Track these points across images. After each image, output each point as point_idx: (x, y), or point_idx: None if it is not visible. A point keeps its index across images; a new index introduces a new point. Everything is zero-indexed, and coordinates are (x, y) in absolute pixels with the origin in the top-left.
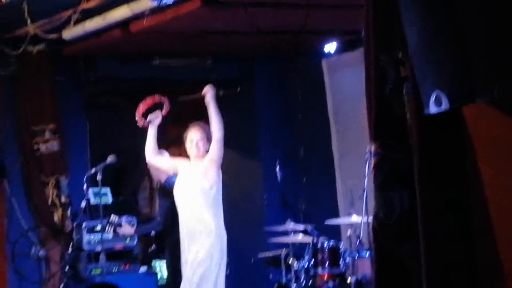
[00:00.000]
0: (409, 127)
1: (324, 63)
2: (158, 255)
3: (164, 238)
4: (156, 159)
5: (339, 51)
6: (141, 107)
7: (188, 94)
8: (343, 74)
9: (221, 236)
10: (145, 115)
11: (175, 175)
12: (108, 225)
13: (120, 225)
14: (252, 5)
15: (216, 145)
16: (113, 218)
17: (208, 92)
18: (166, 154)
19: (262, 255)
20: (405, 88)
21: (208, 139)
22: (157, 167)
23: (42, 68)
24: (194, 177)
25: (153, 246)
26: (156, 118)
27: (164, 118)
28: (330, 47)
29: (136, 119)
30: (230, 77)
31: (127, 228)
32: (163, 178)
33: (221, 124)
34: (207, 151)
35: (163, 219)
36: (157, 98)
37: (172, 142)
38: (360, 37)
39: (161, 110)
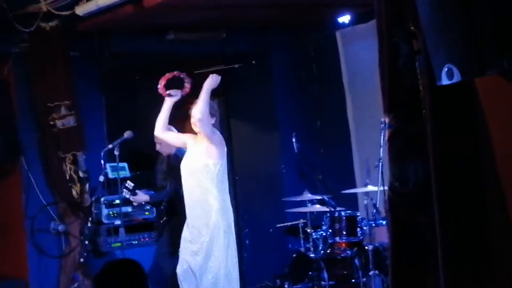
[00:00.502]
0: (422, 99)
1: (339, 35)
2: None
3: (174, 207)
4: (164, 134)
5: (353, 22)
6: (165, 78)
7: (203, 67)
8: (357, 46)
9: (226, 211)
10: (166, 87)
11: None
12: (124, 189)
13: (135, 192)
14: None
15: (199, 125)
16: (129, 183)
17: (208, 78)
18: (174, 130)
19: (280, 225)
20: (418, 60)
21: (212, 115)
22: (165, 141)
23: (55, 44)
24: (198, 153)
25: (164, 218)
26: (175, 95)
27: (183, 98)
28: (344, 18)
29: (159, 87)
30: (245, 50)
31: (142, 195)
32: (172, 151)
33: (203, 106)
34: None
35: (173, 189)
36: (179, 73)
37: (187, 116)
38: (373, 9)
39: (182, 89)
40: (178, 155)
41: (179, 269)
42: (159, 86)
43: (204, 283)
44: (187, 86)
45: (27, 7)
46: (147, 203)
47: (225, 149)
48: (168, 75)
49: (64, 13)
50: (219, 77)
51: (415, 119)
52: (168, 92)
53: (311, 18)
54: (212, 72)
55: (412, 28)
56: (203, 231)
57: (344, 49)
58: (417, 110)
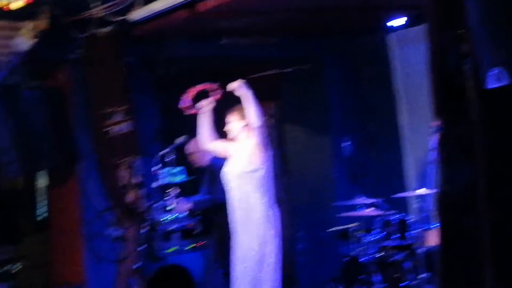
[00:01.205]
0: (470, 102)
1: (391, 38)
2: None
3: (212, 217)
4: (213, 144)
5: (406, 25)
6: (186, 96)
7: (257, 72)
8: (410, 49)
9: (271, 217)
10: (193, 102)
11: (221, 157)
12: (169, 197)
13: (177, 199)
14: None
15: (257, 132)
16: (175, 190)
17: (237, 88)
18: (219, 139)
19: (332, 229)
20: (466, 64)
21: (247, 123)
22: (202, 152)
23: (110, 50)
24: (240, 160)
25: (200, 227)
26: (207, 105)
27: (217, 104)
28: (397, 21)
29: (182, 107)
30: (298, 54)
31: (184, 203)
32: (206, 162)
33: (257, 112)
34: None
35: (216, 196)
36: (204, 86)
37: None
38: (424, 12)
39: (214, 96)
40: (215, 163)
41: (236, 271)
42: (182, 105)
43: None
44: (217, 91)
45: (82, 13)
46: (190, 210)
47: (271, 153)
48: (193, 90)
49: (118, 18)
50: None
51: (464, 122)
52: (197, 107)
53: (364, 21)
54: (266, 77)
55: (461, 31)
56: (249, 235)
57: (397, 52)
58: (466, 113)
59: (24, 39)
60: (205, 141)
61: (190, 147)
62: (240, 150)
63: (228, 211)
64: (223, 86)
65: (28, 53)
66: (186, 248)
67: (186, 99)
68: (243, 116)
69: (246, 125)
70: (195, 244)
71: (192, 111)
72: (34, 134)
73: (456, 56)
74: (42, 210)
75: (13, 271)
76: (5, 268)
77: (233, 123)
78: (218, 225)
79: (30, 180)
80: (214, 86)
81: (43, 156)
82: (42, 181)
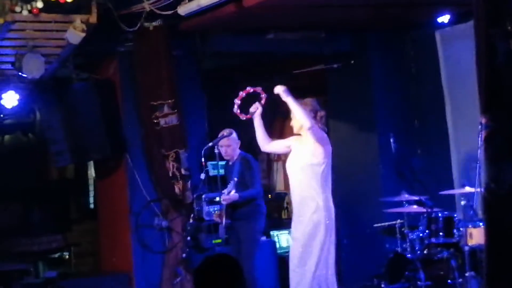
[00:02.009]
0: None
1: (438, 35)
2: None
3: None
4: (270, 146)
5: (453, 22)
6: (237, 103)
7: (302, 67)
8: (456, 45)
9: (329, 210)
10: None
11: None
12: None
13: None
14: None
15: (310, 133)
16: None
17: (279, 92)
18: (275, 140)
19: (377, 225)
20: None
21: (315, 113)
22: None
23: (159, 43)
24: (304, 153)
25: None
26: (256, 110)
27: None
28: (444, 18)
29: (236, 113)
30: (344, 50)
31: (231, 195)
32: (237, 155)
33: (304, 114)
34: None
35: (259, 189)
36: (250, 89)
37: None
38: (472, 8)
39: (259, 101)
40: (248, 158)
41: (295, 266)
42: (235, 112)
43: (302, 276)
44: (263, 96)
45: (131, 7)
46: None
47: (330, 148)
48: (241, 94)
49: (166, 12)
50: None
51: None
52: (249, 113)
53: (411, 17)
54: (311, 72)
55: (510, 27)
56: (306, 228)
57: (443, 49)
58: None
59: (75, 32)
60: (262, 145)
61: (222, 142)
62: (302, 144)
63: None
64: (268, 88)
65: (79, 46)
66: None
67: (236, 105)
68: (308, 106)
69: (315, 119)
70: None
71: (245, 117)
72: (84, 125)
73: (505, 52)
74: (92, 199)
75: (63, 258)
76: (56, 255)
77: (295, 119)
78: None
79: (81, 170)
80: (259, 89)
81: (92, 147)
82: (91, 172)
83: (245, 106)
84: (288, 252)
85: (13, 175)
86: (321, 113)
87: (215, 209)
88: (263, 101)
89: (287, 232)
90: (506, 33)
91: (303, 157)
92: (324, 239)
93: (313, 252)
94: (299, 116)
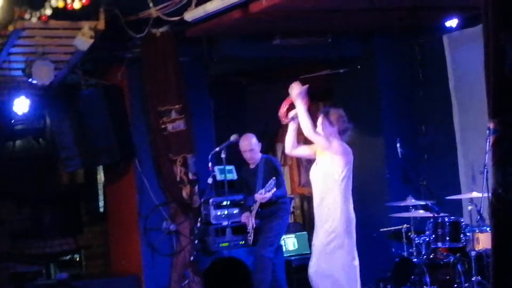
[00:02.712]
0: None
1: (445, 39)
2: None
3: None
4: (296, 150)
5: (461, 26)
6: (283, 106)
7: (308, 72)
8: (464, 50)
9: (349, 220)
10: (287, 111)
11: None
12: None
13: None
14: None
15: (313, 140)
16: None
17: (293, 89)
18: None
19: (384, 229)
20: None
21: (330, 123)
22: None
23: (166, 49)
24: (324, 162)
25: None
26: (296, 117)
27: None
28: (451, 22)
29: (280, 116)
30: (351, 55)
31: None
32: (257, 160)
33: (304, 123)
34: (331, 134)
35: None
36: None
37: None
38: (480, 12)
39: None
40: (273, 161)
41: (311, 270)
42: (280, 115)
43: (325, 284)
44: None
45: (138, 13)
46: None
47: (351, 157)
48: (288, 100)
49: (173, 19)
50: (299, 84)
51: None
52: (290, 117)
53: (418, 21)
54: (317, 77)
55: None
56: (324, 237)
57: (451, 53)
58: None
59: (83, 39)
60: (288, 148)
61: (244, 145)
62: (324, 153)
63: None
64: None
65: (87, 52)
66: (239, 243)
67: (282, 110)
68: (329, 120)
69: (333, 128)
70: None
71: (286, 121)
72: (93, 130)
73: None
74: (102, 203)
75: (74, 261)
76: (67, 257)
77: (320, 125)
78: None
79: (91, 175)
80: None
81: (102, 152)
82: (101, 176)
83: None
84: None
85: (25, 179)
86: (346, 125)
87: (223, 213)
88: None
89: (293, 236)
90: None
91: (324, 166)
92: (345, 248)
93: (334, 261)
94: (300, 120)
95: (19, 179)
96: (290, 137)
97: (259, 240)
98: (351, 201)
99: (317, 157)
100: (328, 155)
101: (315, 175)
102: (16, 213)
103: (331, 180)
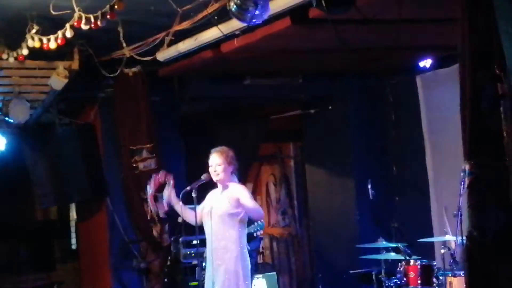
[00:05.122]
0: (505, 146)
1: (419, 79)
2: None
3: None
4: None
5: (434, 67)
6: (152, 190)
7: (280, 112)
8: (439, 91)
9: (244, 257)
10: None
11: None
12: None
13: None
14: (342, 23)
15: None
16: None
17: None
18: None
19: (354, 271)
20: (503, 105)
21: (229, 163)
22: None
23: (138, 89)
24: (222, 201)
25: None
26: (168, 192)
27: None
28: (425, 63)
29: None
30: (321, 95)
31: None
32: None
33: (252, 210)
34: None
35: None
36: (158, 177)
37: (265, 160)
38: (455, 53)
39: (169, 185)
40: None
41: None
42: (149, 199)
43: None
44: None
45: (112, 53)
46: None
47: (252, 202)
48: (155, 183)
49: (146, 58)
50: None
51: (497, 166)
52: (161, 199)
53: (390, 62)
54: (288, 118)
55: (497, 71)
56: (224, 275)
57: (424, 93)
58: (500, 157)
59: (58, 79)
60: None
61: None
62: (222, 191)
63: None
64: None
65: (61, 91)
66: None
67: (150, 199)
68: (222, 156)
69: (224, 165)
70: None
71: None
72: (66, 169)
73: (492, 96)
74: (74, 240)
75: None
76: None
77: (213, 163)
78: None
79: (64, 212)
80: (168, 176)
81: (74, 189)
82: (74, 213)
83: None
84: None
85: (1, 215)
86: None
87: (192, 251)
88: (173, 184)
89: (262, 276)
90: (494, 77)
91: (222, 205)
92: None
93: None
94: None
95: None
96: (186, 212)
97: None
98: (246, 239)
99: (213, 196)
100: (229, 194)
101: (214, 214)
102: None
103: (230, 219)
